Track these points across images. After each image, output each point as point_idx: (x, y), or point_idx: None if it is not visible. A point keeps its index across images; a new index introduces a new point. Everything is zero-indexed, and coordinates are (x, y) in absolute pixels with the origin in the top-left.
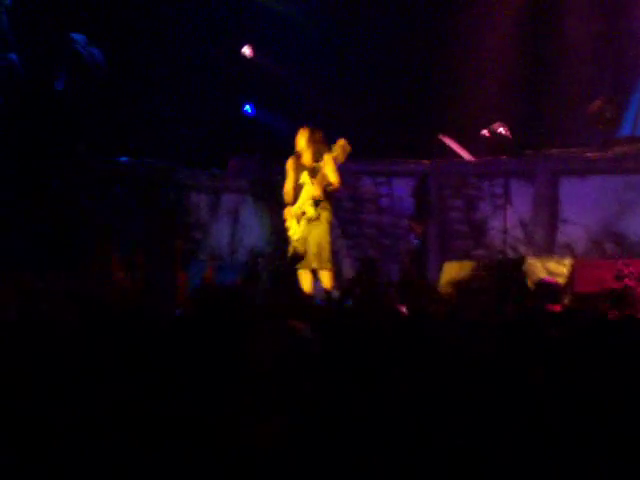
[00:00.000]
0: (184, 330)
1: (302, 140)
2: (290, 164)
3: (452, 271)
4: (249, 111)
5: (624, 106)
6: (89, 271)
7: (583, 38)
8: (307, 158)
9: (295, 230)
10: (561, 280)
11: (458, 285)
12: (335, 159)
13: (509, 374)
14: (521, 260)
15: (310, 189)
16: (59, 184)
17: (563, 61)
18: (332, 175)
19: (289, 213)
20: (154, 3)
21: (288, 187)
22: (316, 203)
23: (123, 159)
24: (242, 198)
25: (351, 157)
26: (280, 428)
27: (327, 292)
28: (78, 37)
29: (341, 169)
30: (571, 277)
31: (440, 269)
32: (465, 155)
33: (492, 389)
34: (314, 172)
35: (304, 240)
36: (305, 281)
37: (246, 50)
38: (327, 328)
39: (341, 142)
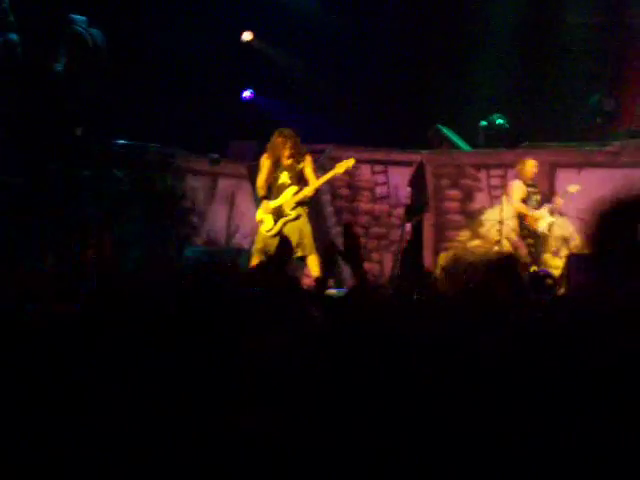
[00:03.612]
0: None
1: (283, 142)
2: (265, 161)
3: (448, 262)
4: (248, 96)
5: (624, 100)
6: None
7: (584, 31)
8: (287, 159)
9: (269, 226)
10: (556, 272)
11: (453, 277)
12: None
13: (510, 366)
14: (517, 253)
15: (294, 190)
16: (56, 166)
17: (563, 54)
18: (313, 178)
19: (266, 208)
20: None
21: (261, 182)
22: (300, 203)
23: (121, 142)
24: (239, 183)
25: (349, 145)
26: (280, 417)
27: (317, 279)
28: (79, 18)
29: None
30: (566, 270)
31: (435, 259)
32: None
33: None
34: (296, 173)
35: (282, 235)
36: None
37: (246, 35)
38: (338, 315)
39: (350, 163)
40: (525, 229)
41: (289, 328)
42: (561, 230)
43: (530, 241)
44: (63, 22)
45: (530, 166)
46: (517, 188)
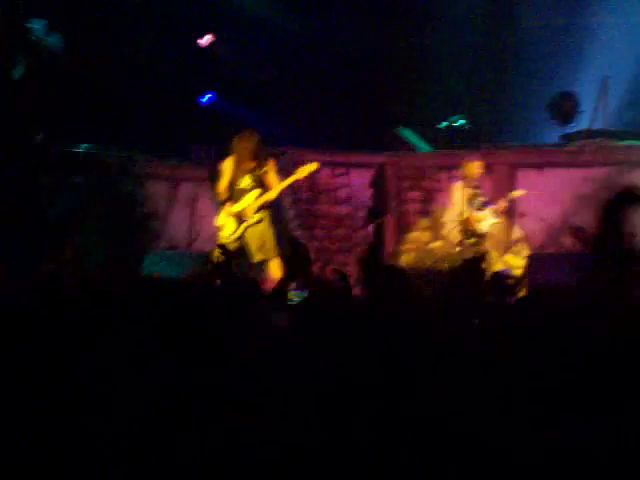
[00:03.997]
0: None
1: (246, 145)
2: (228, 165)
3: (410, 264)
4: (206, 100)
5: (581, 101)
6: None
7: (542, 32)
8: (249, 163)
9: (231, 230)
10: (518, 273)
11: (416, 279)
12: (297, 181)
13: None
14: (482, 254)
15: (256, 195)
16: (17, 173)
17: (522, 55)
18: (276, 182)
19: (227, 212)
20: None
21: (222, 187)
22: (262, 207)
23: (82, 148)
24: (201, 187)
25: (310, 148)
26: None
27: (279, 282)
28: (37, 24)
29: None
30: (528, 270)
31: (397, 261)
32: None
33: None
34: (258, 177)
35: (243, 240)
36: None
37: (205, 39)
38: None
39: (314, 166)
40: (467, 230)
41: (251, 331)
42: (513, 231)
43: (472, 241)
44: (21, 29)
45: (474, 167)
46: (458, 190)
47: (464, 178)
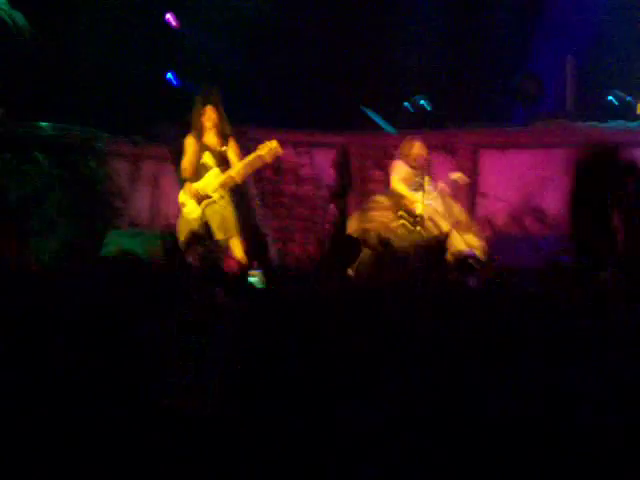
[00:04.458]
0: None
1: (207, 119)
2: (190, 141)
3: (372, 242)
4: (172, 79)
5: (545, 82)
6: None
7: (507, 12)
8: (211, 138)
9: (192, 208)
10: (479, 254)
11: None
12: (259, 157)
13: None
14: (444, 236)
15: (217, 173)
16: None
17: (486, 35)
18: (236, 161)
19: (189, 190)
20: None
21: (186, 164)
22: (223, 185)
23: (44, 125)
24: (163, 165)
25: (271, 126)
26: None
27: (239, 261)
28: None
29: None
30: (489, 251)
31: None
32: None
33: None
34: (220, 154)
35: (204, 218)
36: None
37: (170, 18)
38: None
39: (273, 144)
40: (402, 210)
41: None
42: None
43: (405, 222)
44: None
45: (414, 147)
46: (398, 168)
47: (404, 158)
